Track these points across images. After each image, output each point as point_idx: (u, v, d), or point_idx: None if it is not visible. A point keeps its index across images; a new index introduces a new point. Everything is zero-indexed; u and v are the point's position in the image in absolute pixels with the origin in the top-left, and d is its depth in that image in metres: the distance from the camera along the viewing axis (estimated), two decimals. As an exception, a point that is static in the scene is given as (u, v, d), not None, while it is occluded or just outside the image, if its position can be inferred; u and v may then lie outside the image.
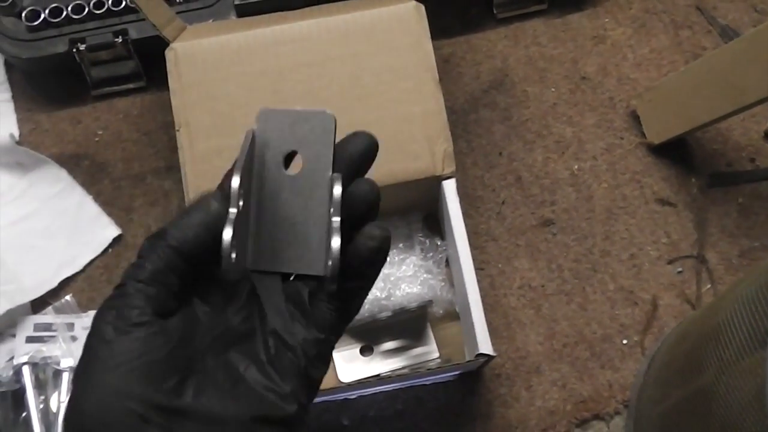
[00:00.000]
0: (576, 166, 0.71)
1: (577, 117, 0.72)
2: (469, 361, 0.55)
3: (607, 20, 0.76)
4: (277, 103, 0.59)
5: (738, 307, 0.44)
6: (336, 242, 0.31)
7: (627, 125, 0.72)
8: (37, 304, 0.67)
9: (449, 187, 0.58)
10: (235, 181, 0.31)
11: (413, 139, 0.58)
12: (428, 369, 0.55)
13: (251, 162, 0.33)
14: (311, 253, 0.33)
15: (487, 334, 0.54)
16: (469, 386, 0.64)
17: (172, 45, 0.61)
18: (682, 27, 0.75)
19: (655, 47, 0.75)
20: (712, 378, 0.45)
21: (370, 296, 0.61)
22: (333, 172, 0.33)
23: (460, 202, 0.59)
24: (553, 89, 0.73)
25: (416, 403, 0.63)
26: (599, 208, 0.69)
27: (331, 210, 0.32)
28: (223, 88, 0.59)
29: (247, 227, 0.33)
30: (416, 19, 0.60)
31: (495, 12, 0.75)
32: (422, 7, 0.61)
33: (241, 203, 0.31)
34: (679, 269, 0.67)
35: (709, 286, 0.67)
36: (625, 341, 0.65)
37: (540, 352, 0.65)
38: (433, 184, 0.59)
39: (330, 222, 0.32)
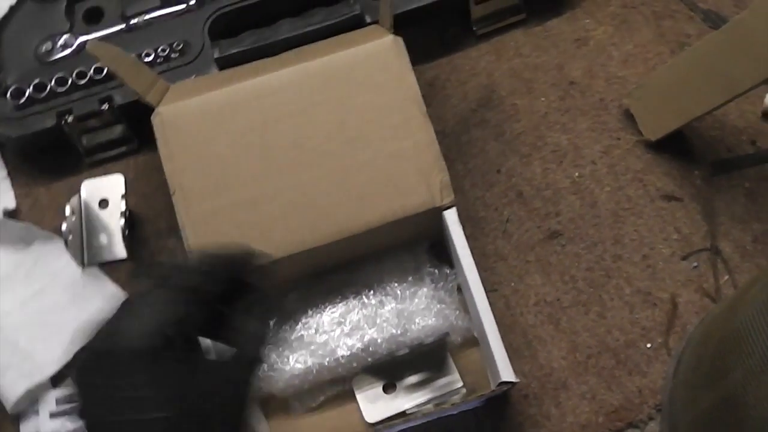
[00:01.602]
0: (576, 174, 0.70)
1: (571, 123, 0.72)
2: (492, 391, 0.55)
3: (587, 21, 0.75)
4: (268, 156, 0.59)
5: (755, 312, 0.43)
6: None
7: (622, 125, 0.71)
8: (57, 376, 0.67)
9: (451, 217, 0.58)
10: None
11: (407, 174, 0.58)
12: (452, 404, 0.55)
13: None
14: None
15: (508, 361, 0.53)
16: (497, 411, 0.63)
17: (158, 110, 0.61)
18: (663, 17, 0.75)
19: (639, 42, 0.74)
20: (739, 386, 0.44)
21: (386, 334, 0.60)
22: None
23: (464, 227, 0.59)
24: (542, 99, 0.73)
25: (446, 434, 0.62)
26: (605, 213, 0.69)
27: None
28: (212, 147, 0.59)
29: None
30: (395, 53, 0.60)
31: (474, 29, 0.75)
32: (400, 40, 0.60)
33: None
34: (695, 264, 0.67)
35: (727, 276, 0.66)
36: (649, 345, 0.64)
37: (564, 367, 0.64)
38: (434, 215, 0.59)
39: None
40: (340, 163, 0.58)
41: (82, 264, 0.70)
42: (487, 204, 0.69)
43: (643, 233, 0.68)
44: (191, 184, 0.59)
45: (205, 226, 0.58)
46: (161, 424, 0.37)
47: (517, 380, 0.53)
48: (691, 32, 0.74)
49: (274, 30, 0.70)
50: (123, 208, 0.70)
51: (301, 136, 0.59)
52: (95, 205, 0.72)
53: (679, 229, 0.68)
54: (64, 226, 0.67)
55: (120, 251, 0.70)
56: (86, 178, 0.74)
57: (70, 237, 0.68)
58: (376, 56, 0.60)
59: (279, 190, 0.58)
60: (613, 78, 0.73)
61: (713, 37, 0.62)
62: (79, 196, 0.72)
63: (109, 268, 0.71)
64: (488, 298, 0.56)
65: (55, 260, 0.71)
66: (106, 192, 0.72)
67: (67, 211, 0.69)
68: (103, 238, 0.71)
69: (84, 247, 0.71)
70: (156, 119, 0.61)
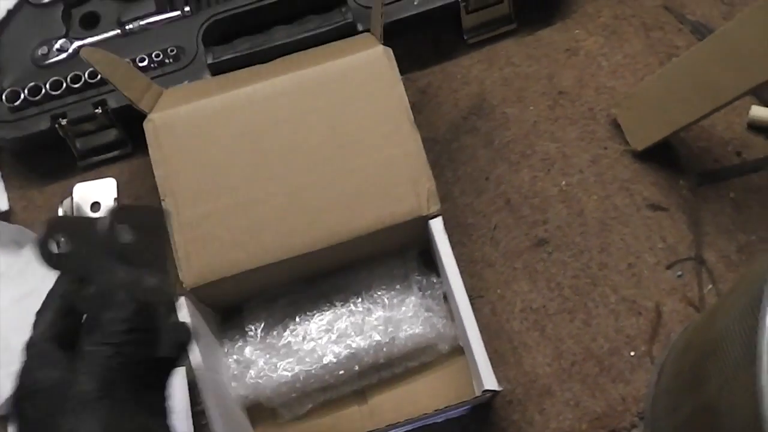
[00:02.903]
0: (564, 182, 0.71)
1: (559, 132, 0.72)
2: (476, 397, 0.55)
3: (577, 32, 0.76)
4: (259, 162, 0.60)
5: (731, 320, 0.44)
6: None
7: (610, 134, 0.72)
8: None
9: (436, 226, 0.59)
10: None
11: (396, 183, 0.59)
12: (435, 410, 0.55)
13: None
14: None
15: (491, 369, 0.54)
16: (481, 417, 0.64)
17: (150, 116, 0.61)
18: (652, 29, 0.75)
19: (629, 52, 0.75)
20: (715, 393, 0.45)
21: (373, 342, 0.61)
22: None
23: (453, 233, 0.59)
24: (532, 108, 0.74)
25: (431, 439, 0.63)
26: (592, 221, 0.69)
27: None
28: (205, 153, 0.60)
29: None
30: (386, 63, 0.60)
31: (465, 38, 0.76)
32: (390, 51, 0.61)
33: None
34: (679, 273, 0.67)
35: (711, 286, 0.67)
36: (633, 352, 0.65)
37: (549, 374, 0.65)
38: (422, 223, 0.60)
39: None
40: (330, 170, 0.59)
41: None
42: (476, 211, 0.70)
43: (629, 242, 0.68)
44: (182, 190, 0.60)
45: (195, 230, 0.59)
46: None
47: (500, 388, 0.54)
48: (680, 44, 0.75)
49: (267, 36, 0.71)
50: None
51: (292, 143, 0.59)
52: (87, 208, 0.73)
53: (665, 238, 0.68)
54: None
55: None
56: (80, 180, 0.74)
57: None
58: (367, 66, 0.60)
59: (269, 195, 0.59)
60: (602, 88, 0.74)
61: (699, 48, 0.63)
62: (71, 199, 0.72)
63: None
64: (474, 304, 0.57)
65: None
66: (97, 195, 0.73)
67: (60, 213, 0.70)
68: None
69: None
70: (148, 126, 0.61)
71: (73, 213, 0.72)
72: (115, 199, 0.72)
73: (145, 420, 0.40)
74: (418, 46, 0.77)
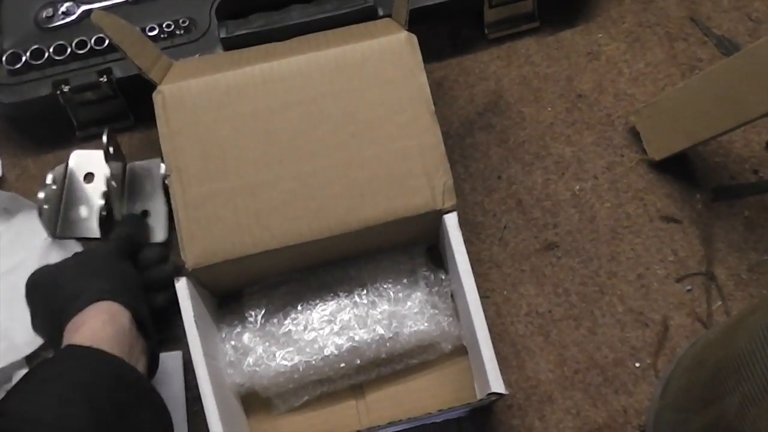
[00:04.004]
0: (577, 187, 0.69)
1: (576, 136, 0.71)
2: (480, 400, 0.54)
3: (600, 36, 0.75)
4: (270, 144, 0.57)
5: (756, 339, 0.43)
6: None
7: (627, 142, 0.71)
8: (32, 357, 0.65)
9: (451, 221, 0.57)
10: None
11: (412, 174, 0.57)
12: (439, 410, 0.53)
13: None
14: None
15: (498, 372, 0.52)
16: (481, 420, 0.62)
17: (160, 87, 0.59)
18: (676, 39, 0.74)
19: (651, 61, 0.73)
20: (736, 411, 0.44)
21: (376, 336, 0.59)
22: None
23: (462, 231, 0.57)
24: (549, 109, 0.72)
25: (428, 441, 0.61)
26: (603, 229, 0.68)
27: None
28: (214, 130, 0.58)
29: None
30: (409, 50, 0.58)
31: (486, 32, 0.74)
32: (414, 38, 0.59)
33: None
34: (688, 287, 0.66)
35: (719, 303, 0.66)
36: (637, 364, 0.64)
37: (551, 380, 0.63)
38: (435, 218, 0.58)
39: None
40: (344, 156, 0.57)
41: (53, 234, 0.67)
42: (486, 209, 0.69)
43: (639, 252, 0.67)
44: (188, 167, 0.57)
45: (199, 209, 0.57)
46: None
47: (507, 392, 0.52)
48: (703, 57, 0.73)
49: (284, 14, 0.69)
50: (105, 188, 0.68)
51: (306, 126, 0.57)
52: (80, 177, 0.70)
53: (676, 251, 0.67)
54: (41, 195, 0.65)
55: (94, 229, 0.68)
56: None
57: (45, 207, 0.66)
58: (390, 52, 0.58)
59: (279, 179, 0.57)
60: (621, 94, 0.72)
61: (727, 63, 0.62)
62: (66, 165, 0.69)
63: (87, 243, 0.69)
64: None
65: (36, 234, 0.69)
66: (93, 166, 0.70)
67: (48, 179, 0.66)
68: (82, 211, 0.69)
69: (60, 218, 0.68)
70: (157, 97, 0.59)
71: (65, 181, 0.69)
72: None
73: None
74: (436, 37, 0.75)
